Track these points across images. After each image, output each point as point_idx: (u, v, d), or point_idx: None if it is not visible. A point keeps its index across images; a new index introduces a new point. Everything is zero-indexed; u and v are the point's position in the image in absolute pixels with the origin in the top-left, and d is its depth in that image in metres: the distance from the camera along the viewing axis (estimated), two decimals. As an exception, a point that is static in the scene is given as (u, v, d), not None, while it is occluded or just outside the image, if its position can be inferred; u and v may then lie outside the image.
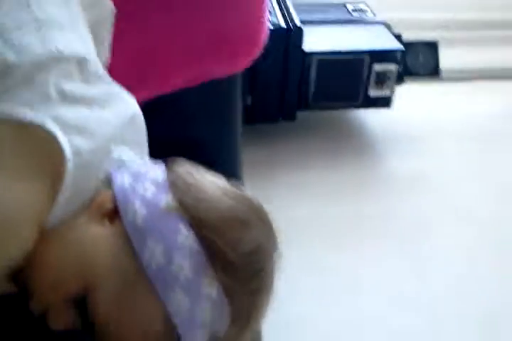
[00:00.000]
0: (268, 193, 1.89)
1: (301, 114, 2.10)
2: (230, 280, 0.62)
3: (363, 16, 2.25)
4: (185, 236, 0.62)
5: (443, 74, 2.55)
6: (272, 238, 0.68)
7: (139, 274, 0.62)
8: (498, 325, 1.51)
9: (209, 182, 0.68)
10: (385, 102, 2.11)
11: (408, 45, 2.29)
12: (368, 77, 2.04)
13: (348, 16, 2.24)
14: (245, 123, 1.45)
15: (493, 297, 1.59)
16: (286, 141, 2.13)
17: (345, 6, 2.30)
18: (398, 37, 2.21)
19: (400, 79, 2.10)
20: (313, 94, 2.05)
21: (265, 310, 0.67)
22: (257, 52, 1.11)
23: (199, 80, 0.98)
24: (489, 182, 1.99)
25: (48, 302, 0.65)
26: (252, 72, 1.87)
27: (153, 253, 0.61)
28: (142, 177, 0.67)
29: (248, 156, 1.52)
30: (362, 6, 2.31)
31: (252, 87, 1.96)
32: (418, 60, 2.50)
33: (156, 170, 0.69)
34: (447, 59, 2.54)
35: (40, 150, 0.62)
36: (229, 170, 1.42)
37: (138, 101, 1.06)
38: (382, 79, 2.05)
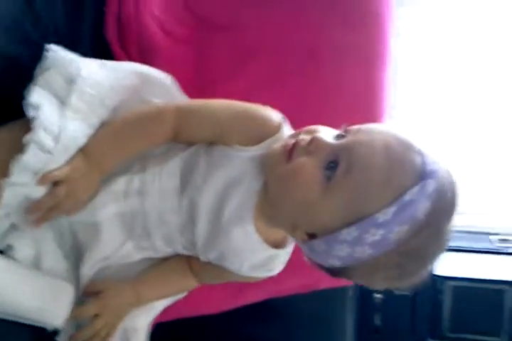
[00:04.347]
0: None
1: (434, 343, 1.97)
2: None
3: (508, 247, 2.19)
4: None
5: None
6: None
7: None
8: None
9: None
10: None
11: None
12: (512, 311, 1.91)
13: (490, 246, 2.19)
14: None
15: None
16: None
17: (489, 237, 2.25)
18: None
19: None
20: (448, 324, 1.94)
21: None
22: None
23: (310, 287, 0.98)
24: None
25: None
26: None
27: None
28: None
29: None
30: (508, 237, 2.25)
31: (384, 304, 1.91)
32: None
33: None
34: None
35: None
36: None
37: (247, 302, 1.07)
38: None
